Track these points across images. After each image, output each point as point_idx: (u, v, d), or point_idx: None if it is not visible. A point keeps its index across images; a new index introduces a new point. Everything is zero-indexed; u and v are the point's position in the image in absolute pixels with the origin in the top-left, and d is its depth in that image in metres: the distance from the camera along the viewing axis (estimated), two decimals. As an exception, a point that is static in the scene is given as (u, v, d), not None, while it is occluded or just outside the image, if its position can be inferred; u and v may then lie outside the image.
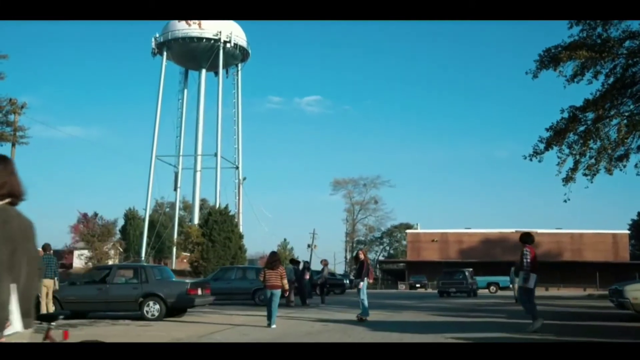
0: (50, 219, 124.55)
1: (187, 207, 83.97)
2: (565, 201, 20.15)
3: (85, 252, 61.29)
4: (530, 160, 19.51)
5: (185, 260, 63.64)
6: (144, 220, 70.45)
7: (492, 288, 46.37)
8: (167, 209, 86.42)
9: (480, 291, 47.15)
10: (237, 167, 65.89)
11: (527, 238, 13.53)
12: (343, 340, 11.67)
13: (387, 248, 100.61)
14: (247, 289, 24.83)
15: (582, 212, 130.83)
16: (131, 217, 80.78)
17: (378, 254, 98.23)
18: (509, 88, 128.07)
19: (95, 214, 71.51)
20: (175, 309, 17.20)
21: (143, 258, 62.79)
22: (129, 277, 17.65)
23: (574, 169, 19.32)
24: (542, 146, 19.27)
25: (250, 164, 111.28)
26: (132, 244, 74.52)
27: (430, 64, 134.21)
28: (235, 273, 26.16)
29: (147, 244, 65.57)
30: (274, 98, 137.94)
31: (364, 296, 15.85)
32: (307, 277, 25.25)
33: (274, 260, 16.01)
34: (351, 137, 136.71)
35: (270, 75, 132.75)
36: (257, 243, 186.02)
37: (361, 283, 15.91)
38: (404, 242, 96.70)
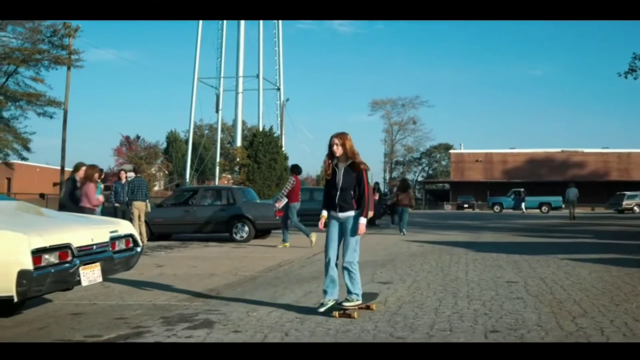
0: (92, 142, 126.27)
1: (226, 129, 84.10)
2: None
3: (132, 175, 62.20)
4: (625, 77, 18.72)
5: (227, 182, 64.20)
6: (185, 142, 70.71)
7: (544, 208, 45.99)
8: (206, 131, 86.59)
9: (531, 211, 47.02)
10: (279, 89, 65.07)
11: (294, 169, 15.73)
12: (452, 261, 11.53)
13: (426, 169, 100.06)
14: (316, 210, 24.69)
15: (629, 131, 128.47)
16: (173, 140, 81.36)
17: (417, 174, 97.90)
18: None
19: (138, 137, 72.25)
20: (262, 231, 17.21)
21: (187, 180, 63.31)
22: (216, 199, 17.60)
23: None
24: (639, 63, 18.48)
25: (290, 85, 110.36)
26: (175, 166, 75.25)
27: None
28: (302, 194, 25.97)
29: (191, 166, 65.94)
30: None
31: (352, 258, 6.49)
32: (377, 198, 25.06)
33: (405, 185, 21.05)
34: (386, 57, 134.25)
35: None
36: (299, 163, 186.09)
37: (363, 225, 6.45)
38: (444, 163, 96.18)
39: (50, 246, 5.42)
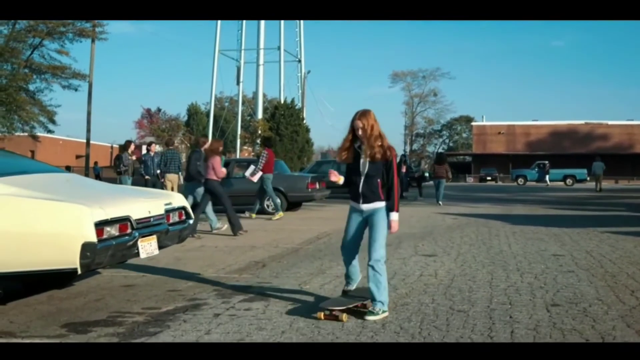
0: (113, 114, 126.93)
1: (247, 102, 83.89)
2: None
3: (156, 147, 62.34)
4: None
5: (247, 155, 64.26)
6: (206, 115, 70.79)
7: (569, 181, 45.55)
8: (227, 104, 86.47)
9: (555, 184, 46.61)
10: (300, 61, 64.64)
11: (266, 142, 17.51)
12: (491, 234, 11.44)
13: (447, 141, 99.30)
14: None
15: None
16: (194, 112, 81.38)
17: (438, 146, 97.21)
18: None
19: (159, 109, 72.37)
20: (293, 203, 17.19)
21: (209, 152, 63.30)
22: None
23: None
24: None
25: (310, 57, 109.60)
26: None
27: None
28: (331, 167, 25.95)
29: (212, 139, 66.00)
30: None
31: (379, 256, 5.35)
32: (404, 170, 25.01)
33: (441, 158, 22.55)
34: (406, 28, 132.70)
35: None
36: (320, 136, 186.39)
37: (395, 223, 5.45)
38: (464, 135, 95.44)
39: (111, 218, 5.41)
